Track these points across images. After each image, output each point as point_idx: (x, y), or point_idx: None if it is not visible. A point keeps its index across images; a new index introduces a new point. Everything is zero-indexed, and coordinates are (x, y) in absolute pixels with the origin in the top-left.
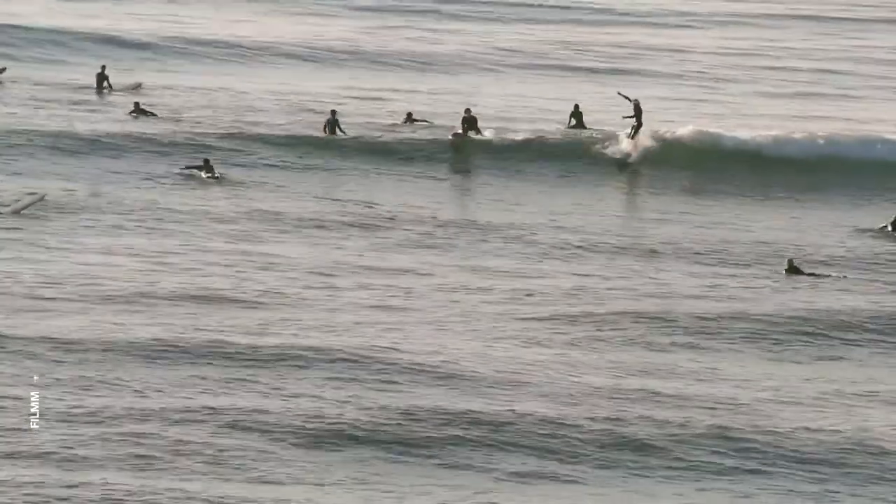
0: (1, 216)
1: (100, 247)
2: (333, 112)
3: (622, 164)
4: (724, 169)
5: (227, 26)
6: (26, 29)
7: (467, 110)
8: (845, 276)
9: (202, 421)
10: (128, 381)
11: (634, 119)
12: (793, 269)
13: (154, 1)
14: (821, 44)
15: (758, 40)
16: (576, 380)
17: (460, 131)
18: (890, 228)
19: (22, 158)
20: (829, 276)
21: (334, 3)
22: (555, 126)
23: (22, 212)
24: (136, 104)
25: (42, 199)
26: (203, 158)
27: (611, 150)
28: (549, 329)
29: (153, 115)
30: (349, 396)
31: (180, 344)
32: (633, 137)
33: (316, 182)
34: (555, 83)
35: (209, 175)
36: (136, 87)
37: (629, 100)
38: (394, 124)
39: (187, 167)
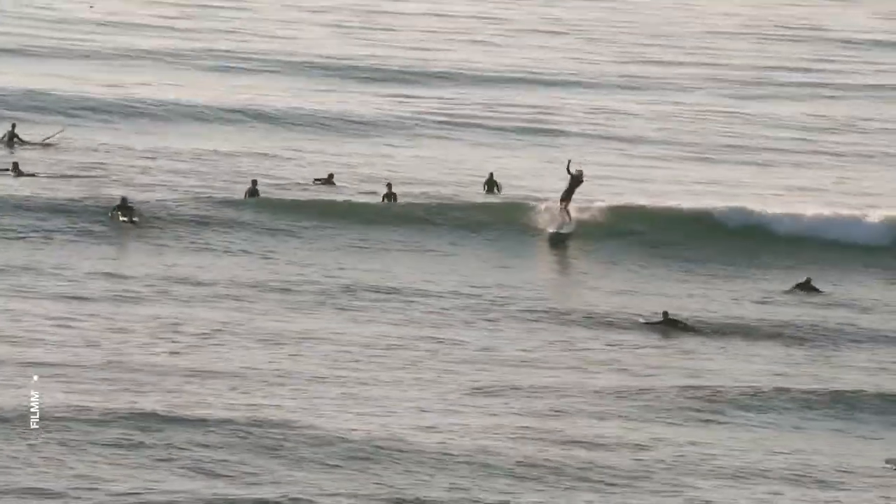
0: None
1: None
2: (254, 182)
3: (553, 236)
4: (643, 235)
5: (133, 87)
6: None
7: (389, 185)
8: (722, 334)
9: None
10: (14, 454)
11: (568, 185)
12: (668, 322)
13: (66, 59)
14: (738, 108)
15: (677, 104)
16: (458, 443)
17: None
18: (797, 289)
19: None
20: (699, 330)
21: (254, 63)
22: (472, 191)
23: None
24: (15, 164)
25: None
26: (121, 197)
27: (531, 218)
28: (454, 398)
29: (32, 175)
30: (235, 464)
31: (82, 411)
32: (564, 204)
33: (227, 241)
34: (476, 147)
35: (125, 219)
36: (59, 133)
37: (569, 172)
38: (316, 181)
39: (112, 211)
